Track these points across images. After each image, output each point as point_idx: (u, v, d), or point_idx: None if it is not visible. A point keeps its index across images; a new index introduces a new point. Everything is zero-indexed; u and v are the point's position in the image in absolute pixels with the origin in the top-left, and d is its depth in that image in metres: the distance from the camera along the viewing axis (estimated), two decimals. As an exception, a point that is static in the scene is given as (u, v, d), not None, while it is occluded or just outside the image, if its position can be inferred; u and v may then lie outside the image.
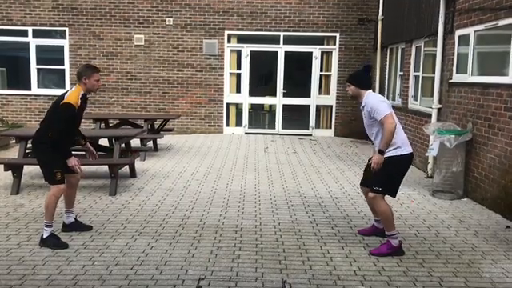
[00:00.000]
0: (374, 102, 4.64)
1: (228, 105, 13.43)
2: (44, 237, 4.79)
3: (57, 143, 4.77)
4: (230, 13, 12.94)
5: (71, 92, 4.91)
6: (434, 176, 7.50)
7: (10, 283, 3.98)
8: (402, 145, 4.64)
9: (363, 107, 4.78)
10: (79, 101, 4.84)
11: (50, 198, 4.82)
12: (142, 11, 12.92)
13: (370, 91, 4.85)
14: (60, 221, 5.27)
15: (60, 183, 4.81)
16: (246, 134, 13.37)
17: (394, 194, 4.78)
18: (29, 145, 6.89)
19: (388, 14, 11.36)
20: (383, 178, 4.62)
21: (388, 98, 10.95)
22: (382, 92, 11.35)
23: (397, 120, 4.65)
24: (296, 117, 13.61)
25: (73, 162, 4.87)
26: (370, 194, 4.70)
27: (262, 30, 13.00)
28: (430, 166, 8.26)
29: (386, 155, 4.58)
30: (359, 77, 5.00)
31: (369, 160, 5.09)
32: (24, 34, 13.01)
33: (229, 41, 13.17)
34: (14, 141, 10.19)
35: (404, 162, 4.70)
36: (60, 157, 4.84)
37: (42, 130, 4.94)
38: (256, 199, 6.72)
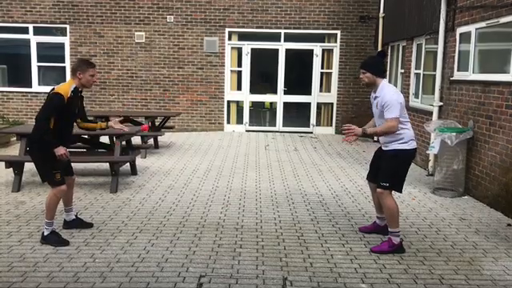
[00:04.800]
0: (391, 100, 4.52)
1: (229, 102, 13.43)
2: (45, 234, 4.79)
3: (47, 138, 4.65)
4: (231, 10, 12.92)
5: (62, 84, 4.89)
6: (434, 174, 7.49)
7: (11, 280, 3.98)
8: (408, 140, 4.67)
9: (375, 98, 4.71)
10: (70, 93, 4.73)
11: (51, 199, 4.80)
12: (142, 8, 12.91)
13: (386, 81, 4.76)
14: (61, 218, 5.28)
15: (60, 184, 4.79)
16: (246, 131, 13.37)
17: (400, 189, 4.80)
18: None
19: (389, 12, 11.35)
20: (390, 172, 4.66)
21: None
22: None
23: (407, 116, 4.74)
24: (297, 114, 13.61)
25: (61, 150, 4.69)
26: (378, 190, 4.71)
27: (262, 28, 12.99)
28: (430, 164, 8.26)
29: (392, 148, 4.66)
30: (375, 64, 4.77)
31: (375, 153, 5.08)
32: (25, 31, 13.02)
33: (229, 38, 13.16)
34: (14, 138, 10.23)
35: (409, 156, 4.74)
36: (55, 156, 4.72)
37: (34, 129, 4.85)
38: (257, 197, 6.72)
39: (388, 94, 4.58)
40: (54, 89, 4.82)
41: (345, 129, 4.67)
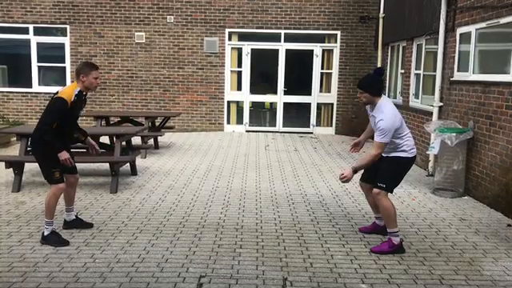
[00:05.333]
0: (385, 126, 4.53)
1: (229, 103, 13.43)
2: (45, 234, 4.79)
3: (48, 139, 4.68)
4: (231, 10, 12.92)
5: (66, 87, 4.90)
6: (434, 174, 7.49)
7: (11, 280, 3.98)
8: (408, 149, 4.74)
9: (372, 115, 4.75)
10: (73, 97, 4.75)
11: (50, 198, 4.81)
12: (142, 9, 12.91)
13: (384, 99, 4.75)
14: (61, 218, 5.28)
15: (59, 182, 4.80)
16: (246, 131, 13.37)
17: (392, 191, 4.85)
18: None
19: (389, 12, 11.34)
20: (389, 175, 4.72)
21: (389, 97, 10.95)
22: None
23: (406, 127, 4.77)
24: (297, 115, 13.61)
25: (65, 155, 4.73)
26: (375, 190, 4.73)
27: (262, 28, 12.99)
28: (430, 164, 8.26)
29: (393, 155, 4.73)
30: (372, 84, 4.75)
31: None
32: (25, 31, 13.02)
33: (230, 38, 13.16)
34: (14, 138, 10.24)
35: (410, 162, 4.82)
36: (56, 155, 4.75)
37: (35, 129, 4.89)
38: (257, 197, 6.72)
39: (383, 119, 4.56)
40: (57, 92, 4.82)
41: (340, 177, 4.80)
